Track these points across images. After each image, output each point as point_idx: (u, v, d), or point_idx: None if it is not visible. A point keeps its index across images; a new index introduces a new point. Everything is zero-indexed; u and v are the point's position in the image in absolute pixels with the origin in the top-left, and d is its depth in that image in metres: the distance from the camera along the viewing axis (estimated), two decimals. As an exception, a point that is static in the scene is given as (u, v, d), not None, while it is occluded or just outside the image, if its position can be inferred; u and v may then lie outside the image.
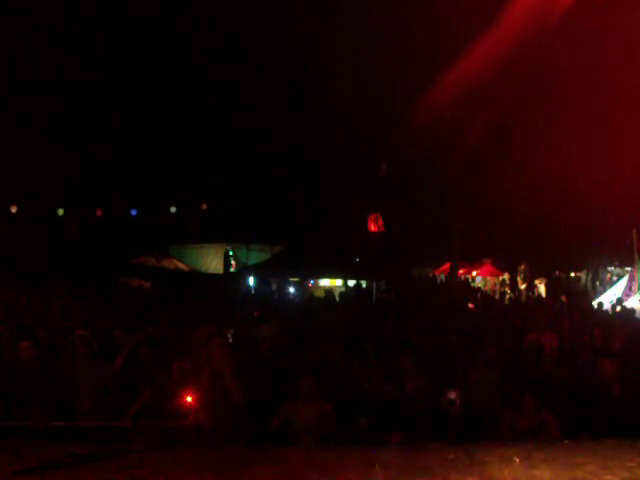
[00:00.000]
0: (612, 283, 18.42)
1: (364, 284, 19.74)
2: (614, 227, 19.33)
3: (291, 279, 20.23)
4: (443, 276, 26.19)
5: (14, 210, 23.49)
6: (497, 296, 21.75)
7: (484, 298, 19.09)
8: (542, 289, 23.20)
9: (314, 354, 7.14)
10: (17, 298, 12.53)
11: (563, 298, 17.20)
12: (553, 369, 6.73)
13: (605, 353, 6.64)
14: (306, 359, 6.99)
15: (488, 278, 26.96)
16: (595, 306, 14.75)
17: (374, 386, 6.06)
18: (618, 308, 13.26)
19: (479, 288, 24.46)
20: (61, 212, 24.51)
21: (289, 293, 18.96)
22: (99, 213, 25.29)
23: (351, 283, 19.63)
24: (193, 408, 5.20)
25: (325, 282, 21.35)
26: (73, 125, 24.06)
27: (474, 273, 27.24)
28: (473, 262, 26.80)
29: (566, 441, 4.01)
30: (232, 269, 24.96)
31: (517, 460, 3.04)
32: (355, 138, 25.33)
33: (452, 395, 5.39)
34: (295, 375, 5.90)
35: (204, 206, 26.52)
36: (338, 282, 20.80)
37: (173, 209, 25.82)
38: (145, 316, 9.79)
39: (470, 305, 15.63)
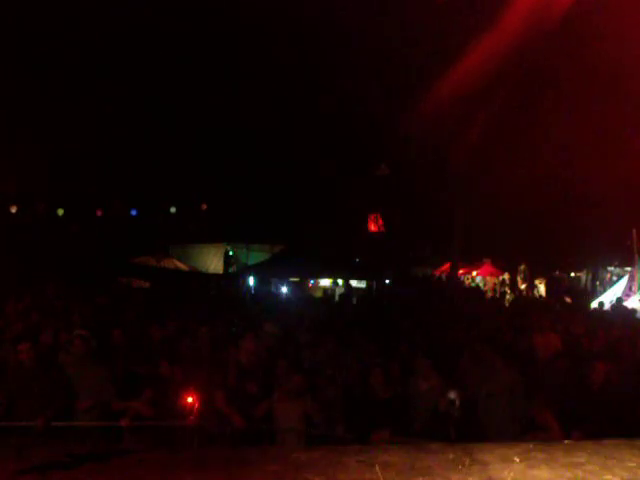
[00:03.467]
0: (612, 283, 18.42)
1: (364, 284, 19.75)
2: (614, 227, 19.32)
3: (291, 279, 20.23)
4: (444, 276, 26.18)
5: (14, 210, 23.47)
6: (497, 296, 21.73)
7: (480, 297, 19.07)
8: (542, 289, 23.21)
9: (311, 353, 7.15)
10: (17, 299, 12.49)
11: (568, 299, 17.18)
12: (555, 370, 6.70)
13: (604, 354, 6.64)
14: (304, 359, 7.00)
15: (488, 278, 26.94)
16: (595, 306, 14.74)
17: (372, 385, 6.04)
18: (618, 308, 13.26)
19: (478, 287, 24.46)
20: (61, 212, 24.51)
21: (287, 293, 18.97)
22: (99, 213, 25.29)
23: (352, 283, 19.64)
24: (194, 408, 5.21)
25: (325, 282, 21.37)
26: (73, 125, 24.04)
27: (474, 273, 27.22)
28: (473, 262, 26.78)
29: (566, 441, 4.01)
30: (232, 269, 24.95)
31: (517, 460, 3.04)
32: (355, 137, 25.33)
33: (452, 395, 5.38)
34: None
35: (204, 206, 26.53)
36: (338, 282, 20.81)
37: (173, 209, 25.82)
38: (145, 316, 9.80)
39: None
